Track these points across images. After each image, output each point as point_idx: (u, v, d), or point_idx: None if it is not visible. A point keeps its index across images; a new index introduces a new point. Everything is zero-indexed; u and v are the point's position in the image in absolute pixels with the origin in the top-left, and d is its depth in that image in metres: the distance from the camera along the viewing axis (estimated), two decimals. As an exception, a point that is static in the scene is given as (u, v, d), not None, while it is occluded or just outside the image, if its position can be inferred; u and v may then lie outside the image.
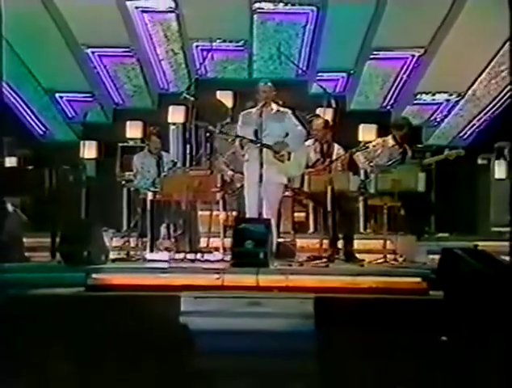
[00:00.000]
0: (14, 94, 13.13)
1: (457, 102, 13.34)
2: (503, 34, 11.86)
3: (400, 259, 9.58)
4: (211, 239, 10.17)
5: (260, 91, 9.62)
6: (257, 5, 12.03)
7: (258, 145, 9.33)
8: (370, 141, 10.88)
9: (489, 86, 12.96)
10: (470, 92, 13.11)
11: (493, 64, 12.59)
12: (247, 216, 9.45)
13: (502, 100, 13.09)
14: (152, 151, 10.84)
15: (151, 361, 6.09)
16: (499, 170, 13.54)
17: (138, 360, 6.11)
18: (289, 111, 9.74)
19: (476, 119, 13.39)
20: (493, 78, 12.81)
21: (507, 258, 8.05)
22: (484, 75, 12.81)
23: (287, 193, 10.02)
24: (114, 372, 5.93)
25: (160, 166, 10.63)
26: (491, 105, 13.23)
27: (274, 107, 9.65)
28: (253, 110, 9.63)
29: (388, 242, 9.68)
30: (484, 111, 13.31)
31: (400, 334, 6.54)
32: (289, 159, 9.46)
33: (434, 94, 13.30)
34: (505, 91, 12.91)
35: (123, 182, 10.99)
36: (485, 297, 6.69)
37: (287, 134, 9.51)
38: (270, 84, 9.71)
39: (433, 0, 11.47)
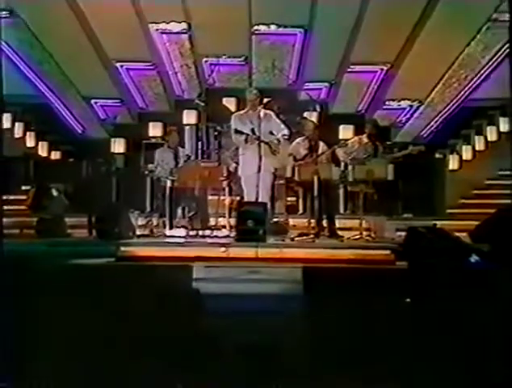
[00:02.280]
0: (58, 101, 13.06)
1: (418, 107, 13.28)
2: (454, 53, 11.94)
3: (373, 235, 9.56)
4: (219, 219, 10.07)
5: (248, 98, 9.58)
6: (255, 27, 11.90)
7: (258, 141, 9.31)
8: (348, 139, 10.93)
9: (444, 94, 12.93)
10: (429, 99, 13.08)
11: (446, 77, 12.55)
12: (247, 200, 9.42)
13: (454, 106, 13.03)
14: (170, 146, 10.73)
15: (168, 318, 6.03)
16: (452, 163, 13.56)
17: (157, 317, 6.06)
18: (273, 113, 9.69)
19: (434, 121, 13.35)
20: (446, 88, 12.78)
21: (459, 234, 8.07)
22: (439, 86, 12.76)
23: (281, 181, 10.00)
24: (135, 325, 5.89)
25: (177, 158, 10.53)
26: (445, 110, 13.18)
27: (262, 110, 9.57)
28: (242, 112, 9.62)
29: (363, 221, 9.62)
30: (440, 115, 13.25)
31: (372, 296, 6.47)
32: (278, 153, 9.45)
33: (399, 101, 13.23)
34: (456, 98, 12.87)
35: (147, 172, 10.86)
36: (442, 265, 6.69)
37: (271, 132, 9.45)
38: (255, 91, 9.69)
39: (397, 24, 11.31)
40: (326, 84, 13.10)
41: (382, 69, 12.66)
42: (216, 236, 9.42)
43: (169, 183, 10.25)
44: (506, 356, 5.55)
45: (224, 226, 9.93)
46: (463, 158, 13.62)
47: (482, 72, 12.37)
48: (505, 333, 5.73)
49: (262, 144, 9.35)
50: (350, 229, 9.87)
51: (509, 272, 6.43)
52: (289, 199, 10.63)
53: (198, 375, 5.53)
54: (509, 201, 11.06)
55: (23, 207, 10.98)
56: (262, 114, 9.49)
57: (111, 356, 5.70)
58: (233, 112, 10.87)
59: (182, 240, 8.97)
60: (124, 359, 5.67)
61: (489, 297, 6.13)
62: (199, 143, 12.79)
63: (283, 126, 9.59)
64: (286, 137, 9.57)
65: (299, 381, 5.61)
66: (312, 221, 9.60)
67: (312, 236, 9.31)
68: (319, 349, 5.82)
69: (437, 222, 9.24)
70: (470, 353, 5.59)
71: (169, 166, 10.44)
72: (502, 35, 11.53)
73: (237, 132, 9.49)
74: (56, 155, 13.77)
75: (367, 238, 9.44)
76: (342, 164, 10.23)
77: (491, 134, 13.54)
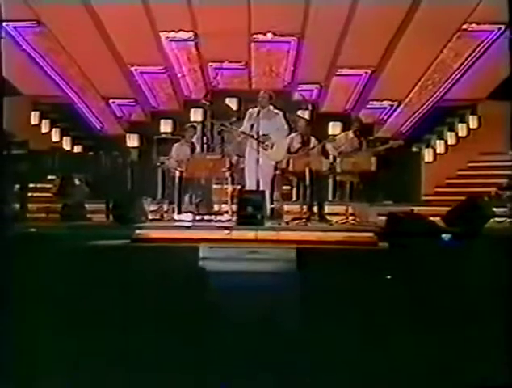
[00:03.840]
0: (80, 101, 13.02)
1: (398, 106, 13.19)
2: (429, 58, 11.93)
3: (358, 220, 9.53)
4: (222, 205, 10.06)
5: (260, 97, 9.59)
6: (254, 36, 11.81)
7: (249, 136, 9.34)
8: (336, 135, 10.96)
9: (420, 95, 12.86)
10: (407, 99, 13.00)
11: (422, 80, 12.48)
12: (247, 188, 9.43)
13: (429, 105, 12.97)
14: (188, 141, 10.70)
15: (178, 292, 6.07)
16: (428, 156, 13.53)
17: (167, 291, 6.06)
18: (281, 113, 9.69)
19: (411, 118, 13.27)
20: (423, 89, 12.71)
21: (433, 218, 8.06)
22: (416, 88, 12.69)
23: (277, 172, 9.95)
24: (148, 298, 6.01)
25: (193, 152, 10.48)
26: (421, 109, 13.11)
27: (271, 108, 9.58)
28: (256, 109, 9.60)
29: (349, 207, 9.61)
30: (417, 113, 13.19)
31: (357, 273, 6.46)
32: (272, 148, 9.41)
33: (381, 101, 13.14)
34: (431, 99, 12.82)
35: (158, 164, 10.83)
36: (418, 245, 6.71)
37: (277, 129, 9.44)
38: (268, 93, 9.69)
39: (380, 32, 11.26)
40: (317, 86, 13.02)
41: (366, 73, 12.58)
42: (219, 220, 9.38)
43: (178, 173, 10.21)
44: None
45: (226, 212, 9.89)
46: (437, 151, 13.58)
47: (454, 76, 12.32)
48: (474, 301, 5.91)
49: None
50: (337, 214, 9.83)
51: (477, 251, 6.48)
52: (284, 187, 10.59)
53: (202, 339, 5.70)
54: (477, 189, 11.15)
55: (49, 194, 10.93)
56: (268, 113, 9.51)
57: (128, 322, 5.76)
58: (235, 111, 10.87)
59: (189, 224, 8.94)
60: (139, 325, 5.73)
61: (460, 271, 6.19)
62: (205, 138, 12.72)
63: (286, 126, 9.64)
64: (285, 134, 9.62)
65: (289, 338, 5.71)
66: (305, 207, 9.59)
67: (304, 220, 9.27)
68: (309, 318, 5.94)
69: (414, 208, 9.26)
70: (443, 319, 5.82)
71: (180, 158, 10.39)
72: (471, 44, 11.63)
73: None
74: (78, 149, 13.72)
75: (353, 222, 9.43)
76: (331, 157, 10.17)
77: (462, 131, 13.51)
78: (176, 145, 10.80)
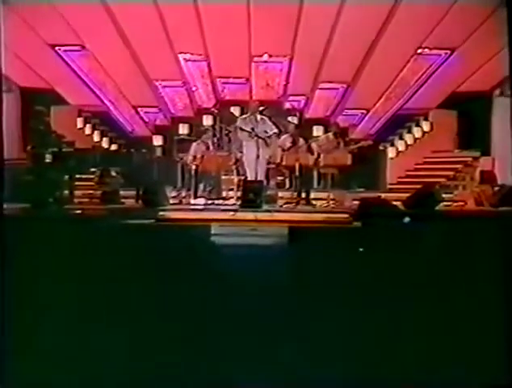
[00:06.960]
0: (115, 109, 12.93)
1: (367, 114, 13.04)
2: (392, 75, 11.86)
3: (337, 204, 9.48)
4: (229, 192, 9.99)
5: (251, 106, 9.71)
6: (254, 57, 11.72)
7: (255, 137, 9.43)
8: (319, 136, 10.90)
9: (385, 105, 12.70)
10: (374, 108, 12.84)
11: (387, 93, 12.35)
12: (249, 179, 9.42)
13: (392, 113, 12.79)
14: (204, 141, 10.66)
15: (194, 262, 6.18)
16: (391, 153, 13.42)
17: (186, 260, 6.12)
18: (267, 118, 9.71)
19: (378, 123, 13.14)
20: (387, 100, 12.58)
21: (396, 202, 7.99)
22: (382, 99, 12.56)
23: (272, 165, 9.92)
24: (171, 265, 6.15)
25: (208, 150, 10.45)
26: (386, 116, 12.93)
27: (258, 115, 9.62)
28: (246, 116, 9.65)
29: (330, 193, 9.55)
30: (382, 119, 13.04)
31: (335, 247, 6.42)
32: (271, 144, 9.56)
33: (354, 109, 12.99)
34: (394, 108, 12.70)
35: (178, 159, 10.76)
36: (384, 224, 6.71)
37: (265, 131, 9.46)
38: (256, 102, 9.73)
39: (352, 54, 11.19)
40: (303, 97, 12.90)
41: (342, 87, 12.47)
42: (226, 204, 9.35)
43: (194, 167, 10.16)
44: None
45: (232, 197, 9.83)
46: (399, 149, 13.47)
47: (411, 90, 12.24)
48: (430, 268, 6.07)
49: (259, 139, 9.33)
50: (321, 199, 9.79)
51: (430, 229, 6.46)
52: (278, 178, 10.57)
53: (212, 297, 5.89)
54: (430, 179, 11.11)
55: (91, 183, 10.89)
56: (259, 118, 9.50)
57: (151, 281, 5.77)
58: (238, 117, 10.80)
59: (202, 207, 8.90)
60: (162, 281, 5.75)
61: (417, 247, 6.22)
62: (215, 138, 12.66)
63: (274, 127, 9.62)
64: (276, 135, 9.58)
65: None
66: (295, 193, 9.57)
67: (294, 204, 9.26)
68: (299, 282, 6.09)
69: (381, 194, 9.23)
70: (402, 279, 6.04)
71: (202, 154, 10.38)
72: (424, 64, 11.59)
73: (242, 130, 9.45)
74: (114, 147, 13.62)
75: (333, 205, 9.39)
76: (316, 153, 10.14)
77: (417, 133, 13.40)
78: (194, 143, 10.75)
